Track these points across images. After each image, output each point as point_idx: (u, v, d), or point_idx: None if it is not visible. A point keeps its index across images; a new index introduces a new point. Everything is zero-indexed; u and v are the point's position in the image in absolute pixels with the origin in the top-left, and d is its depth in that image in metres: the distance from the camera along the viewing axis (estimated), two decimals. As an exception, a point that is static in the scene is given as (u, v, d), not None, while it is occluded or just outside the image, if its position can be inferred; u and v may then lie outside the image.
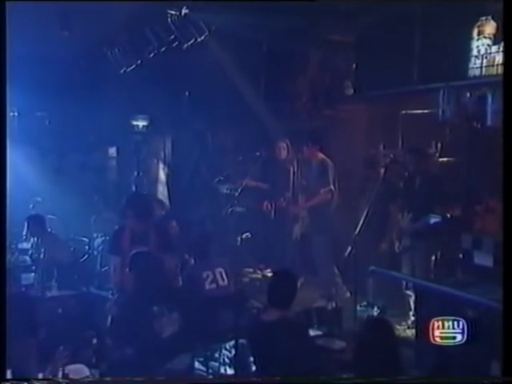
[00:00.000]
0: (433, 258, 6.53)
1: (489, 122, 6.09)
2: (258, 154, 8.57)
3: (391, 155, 6.74)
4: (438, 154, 6.93)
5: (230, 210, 8.90)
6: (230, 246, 9.06)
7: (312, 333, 5.56)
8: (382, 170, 6.84)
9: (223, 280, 6.36)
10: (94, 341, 4.77)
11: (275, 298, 4.86)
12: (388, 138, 7.68)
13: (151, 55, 7.85)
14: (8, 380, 4.03)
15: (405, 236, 6.73)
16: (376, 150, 7.74)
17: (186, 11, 6.60)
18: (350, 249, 6.22)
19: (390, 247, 6.89)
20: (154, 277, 5.52)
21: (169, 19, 6.87)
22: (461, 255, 6.25)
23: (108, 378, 4.90)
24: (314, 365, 4.75)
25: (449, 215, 6.39)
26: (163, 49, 7.57)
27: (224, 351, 5.46)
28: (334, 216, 7.66)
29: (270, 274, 8.96)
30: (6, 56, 4.34)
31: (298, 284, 5.10)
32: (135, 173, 11.10)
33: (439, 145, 6.87)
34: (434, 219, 6.48)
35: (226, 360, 5.43)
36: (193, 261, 6.65)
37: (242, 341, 5.15)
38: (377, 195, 6.51)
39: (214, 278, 6.32)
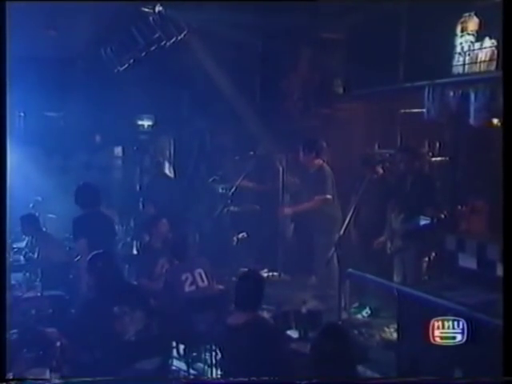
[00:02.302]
0: (419, 259, 6.39)
1: (474, 121, 5.93)
2: (251, 153, 8.53)
3: (379, 155, 6.64)
4: (427, 154, 6.79)
5: (225, 210, 8.87)
6: (226, 246, 9.06)
7: (285, 336, 5.49)
8: (370, 170, 6.78)
9: (203, 281, 6.33)
10: (58, 343, 4.74)
11: (241, 300, 4.80)
12: (376, 137, 7.57)
13: (143, 54, 7.82)
14: (8, 380, 4.06)
15: (392, 237, 6.61)
16: (365, 149, 7.62)
17: (160, 9, 6.56)
18: (333, 250, 6.14)
19: (377, 248, 6.78)
20: (114, 278, 5.47)
21: (150, 18, 6.85)
22: (446, 257, 6.10)
23: (108, 378, 4.92)
24: (282, 368, 4.67)
25: (434, 217, 6.26)
26: (153, 47, 7.53)
27: (194, 353, 5.40)
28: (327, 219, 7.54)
29: (265, 275, 8.97)
30: (6, 56, 4.32)
31: (266, 286, 4.98)
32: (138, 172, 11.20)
33: (428, 144, 6.73)
34: (420, 220, 6.36)
35: (196, 362, 5.38)
36: (173, 262, 6.60)
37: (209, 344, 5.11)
38: (363, 195, 6.42)
39: (193, 280, 6.29)
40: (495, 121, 5.94)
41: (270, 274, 8.58)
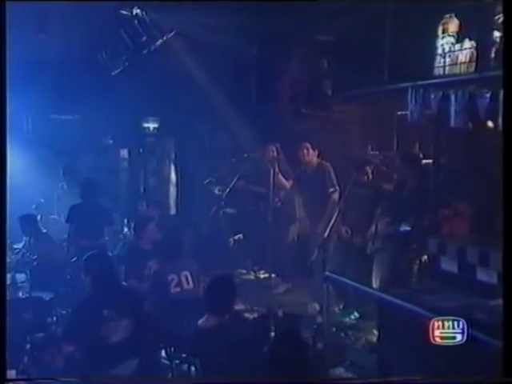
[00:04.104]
0: (401, 262, 6.37)
1: (456, 123, 5.89)
2: (245, 155, 8.56)
3: (364, 157, 6.64)
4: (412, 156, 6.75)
5: (221, 211, 8.94)
6: (222, 248, 9.11)
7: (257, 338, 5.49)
8: (356, 172, 6.78)
9: (188, 283, 6.36)
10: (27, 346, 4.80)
11: (212, 304, 4.83)
12: (365, 139, 7.56)
13: (135, 57, 7.89)
14: (8, 380, 4.14)
15: (374, 239, 6.59)
16: (354, 150, 7.61)
17: (138, 11, 6.60)
18: (316, 252, 6.14)
19: (360, 250, 6.77)
20: (106, 280, 5.50)
21: (135, 21, 6.90)
22: (427, 260, 6.08)
23: (109, 378, 5.00)
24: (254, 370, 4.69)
25: (416, 220, 6.24)
26: (145, 50, 7.59)
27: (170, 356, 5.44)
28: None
29: (263, 276, 9.01)
30: (5, 56, 4.34)
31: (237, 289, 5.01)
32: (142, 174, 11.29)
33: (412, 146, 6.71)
34: (403, 224, 6.35)
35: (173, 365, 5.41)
36: (159, 263, 6.64)
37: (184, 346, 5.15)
38: (348, 197, 6.43)
39: (178, 282, 6.33)
40: (477, 123, 5.88)
41: (264, 275, 8.64)
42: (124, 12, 6.72)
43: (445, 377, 4.47)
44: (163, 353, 5.70)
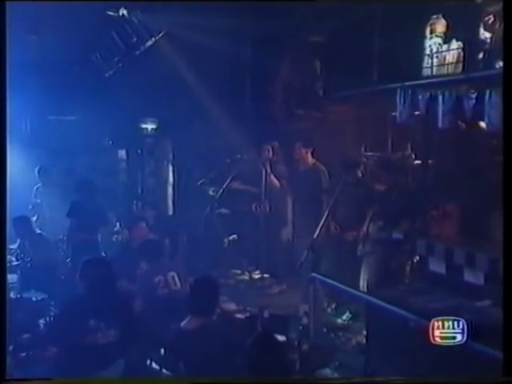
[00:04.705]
0: (388, 264, 6.35)
1: (443, 124, 5.87)
2: (238, 156, 8.57)
3: (355, 158, 6.63)
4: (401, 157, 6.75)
5: (215, 212, 8.93)
6: (216, 248, 9.11)
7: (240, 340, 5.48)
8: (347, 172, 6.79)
9: (175, 284, 6.36)
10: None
11: (194, 305, 4.83)
12: (356, 140, 7.54)
13: (129, 57, 7.90)
14: (8, 380, 4.15)
15: (363, 240, 6.58)
16: (345, 151, 7.60)
17: (124, 12, 6.58)
18: (306, 253, 6.14)
19: (348, 251, 6.76)
20: (102, 286, 5.47)
21: (124, 22, 6.89)
22: (416, 261, 6.06)
23: (110, 378, 5.01)
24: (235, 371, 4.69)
25: (405, 221, 6.23)
26: (138, 52, 7.60)
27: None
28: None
29: (257, 276, 9.00)
30: (5, 56, 4.37)
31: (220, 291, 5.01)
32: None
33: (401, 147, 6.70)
34: (391, 225, 6.34)
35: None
36: (147, 264, 6.63)
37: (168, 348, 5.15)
38: (338, 198, 6.42)
39: (165, 283, 6.33)
40: (465, 124, 5.87)
41: (258, 276, 8.64)
42: (111, 13, 6.70)
43: (445, 377, 4.47)
44: (150, 354, 5.67)
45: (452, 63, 5.72)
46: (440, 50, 5.85)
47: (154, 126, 11.11)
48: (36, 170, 10.09)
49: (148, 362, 5.43)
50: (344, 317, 7.32)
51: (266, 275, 8.51)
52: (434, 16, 5.88)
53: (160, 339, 5.60)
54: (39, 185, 10.12)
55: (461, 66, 5.63)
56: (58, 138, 11.11)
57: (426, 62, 5.99)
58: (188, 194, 10.17)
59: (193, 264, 8.23)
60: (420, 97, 5.95)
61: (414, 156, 6.66)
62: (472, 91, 5.44)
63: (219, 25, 7.32)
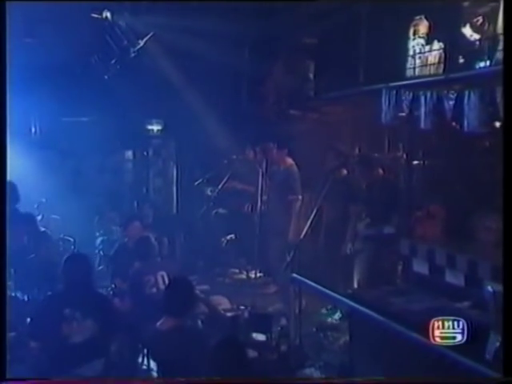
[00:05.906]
0: (373, 264, 6.37)
1: (426, 125, 5.87)
2: (234, 157, 8.64)
3: (340, 159, 6.65)
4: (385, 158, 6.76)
5: (213, 212, 9.02)
6: (214, 248, 9.19)
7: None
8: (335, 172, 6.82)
9: (164, 284, 6.42)
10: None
11: (170, 306, 4.88)
12: (345, 140, 7.57)
13: (124, 60, 7.97)
14: (8, 380, 4.25)
15: (350, 241, 6.61)
16: (332, 151, 7.61)
17: (108, 14, 6.63)
18: (292, 253, 6.19)
19: (336, 252, 6.78)
20: (81, 281, 5.57)
21: (112, 24, 6.94)
22: (401, 262, 6.08)
23: (111, 378, 5.11)
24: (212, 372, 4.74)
25: (389, 221, 6.24)
26: (133, 54, 7.68)
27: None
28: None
29: (253, 276, 9.05)
30: (5, 57, 4.39)
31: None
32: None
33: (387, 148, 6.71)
34: (376, 226, 6.36)
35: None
36: (137, 263, 6.71)
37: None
38: (324, 198, 6.45)
39: (155, 282, 6.40)
40: (451, 124, 5.86)
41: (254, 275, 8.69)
42: (95, 15, 6.75)
43: (444, 377, 4.49)
44: (130, 353, 5.75)
45: (434, 64, 5.72)
46: (422, 50, 5.86)
47: (160, 127, 11.22)
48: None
49: (127, 359, 5.51)
50: (335, 316, 7.34)
51: (259, 274, 8.59)
52: (417, 17, 5.88)
53: (139, 338, 5.70)
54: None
55: (442, 66, 5.63)
56: (64, 140, 11.21)
57: (410, 62, 5.99)
58: (186, 194, 10.26)
59: (189, 263, 8.32)
60: (403, 98, 5.94)
61: (402, 156, 6.66)
62: (452, 92, 5.43)
63: (211, 27, 7.38)
